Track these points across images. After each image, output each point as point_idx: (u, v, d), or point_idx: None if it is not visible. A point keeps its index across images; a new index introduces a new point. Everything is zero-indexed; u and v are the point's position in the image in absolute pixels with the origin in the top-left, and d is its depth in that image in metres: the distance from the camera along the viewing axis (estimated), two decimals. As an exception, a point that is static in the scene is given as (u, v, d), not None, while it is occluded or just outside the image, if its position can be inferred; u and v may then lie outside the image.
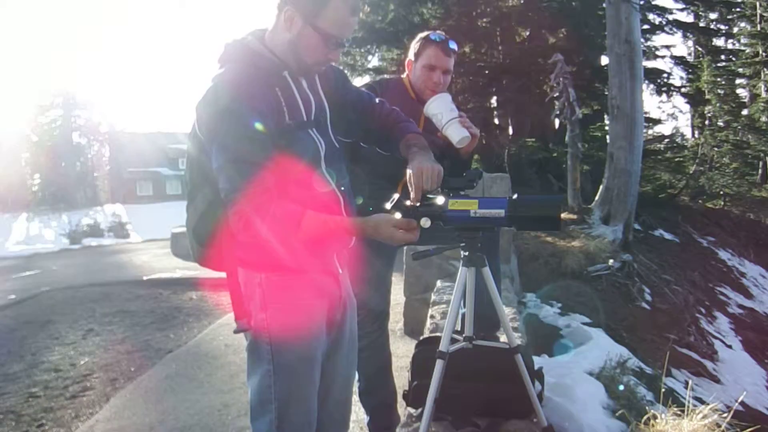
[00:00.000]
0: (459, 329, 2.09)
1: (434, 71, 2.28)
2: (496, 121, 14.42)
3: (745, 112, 19.84)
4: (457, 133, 2.02)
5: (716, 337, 6.94)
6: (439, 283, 4.26)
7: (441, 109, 2.06)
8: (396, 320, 4.72)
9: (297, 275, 1.49)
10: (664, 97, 18.49)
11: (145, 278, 9.90)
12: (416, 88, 2.34)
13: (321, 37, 1.43)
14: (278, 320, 1.47)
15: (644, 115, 9.87)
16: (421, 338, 2.66)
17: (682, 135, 22.37)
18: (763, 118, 18.40)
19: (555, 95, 9.87)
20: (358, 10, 1.49)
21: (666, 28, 13.87)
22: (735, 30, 20.86)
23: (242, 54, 1.46)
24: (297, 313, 1.50)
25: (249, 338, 1.53)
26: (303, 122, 1.48)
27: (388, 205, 1.52)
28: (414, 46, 2.35)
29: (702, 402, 2.47)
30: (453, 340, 1.92)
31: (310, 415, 1.54)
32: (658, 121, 17.38)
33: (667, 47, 14.90)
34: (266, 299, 1.47)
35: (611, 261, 6.80)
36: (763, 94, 19.62)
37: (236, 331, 1.51)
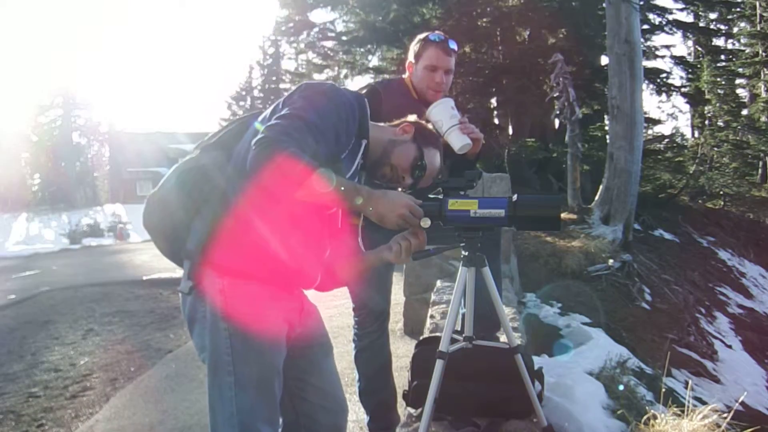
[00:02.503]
0: (459, 329, 2.09)
1: (436, 71, 2.28)
2: (496, 121, 14.43)
3: (745, 112, 19.86)
4: (458, 140, 2.05)
5: (716, 337, 6.94)
6: (439, 283, 4.26)
7: (441, 116, 2.08)
8: (396, 320, 4.72)
9: (260, 284, 1.49)
10: (664, 97, 18.49)
11: (144, 278, 9.89)
12: (418, 89, 2.33)
13: (416, 157, 1.65)
14: (240, 330, 1.45)
15: (644, 115, 9.87)
16: (421, 338, 2.66)
17: (682, 135, 22.37)
18: (763, 118, 18.41)
19: (555, 95, 9.88)
20: (440, 171, 1.73)
21: (666, 28, 13.87)
22: (735, 30, 20.87)
23: (360, 98, 1.62)
24: (259, 322, 1.48)
25: (201, 352, 1.51)
26: (342, 172, 1.54)
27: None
28: (414, 47, 2.35)
29: (702, 402, 2.47)
30: (453, 340, 1.92)
31: (275, 425, 1.54)
32: (658, 121, 17.38)
33: (667, 47, 14.91)
34: (227, 308, 1.45)
35: (611, 261, 6.80)
36: (763, 94, 19.63)
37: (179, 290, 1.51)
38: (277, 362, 1.51)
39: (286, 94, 1.55)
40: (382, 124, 1.70)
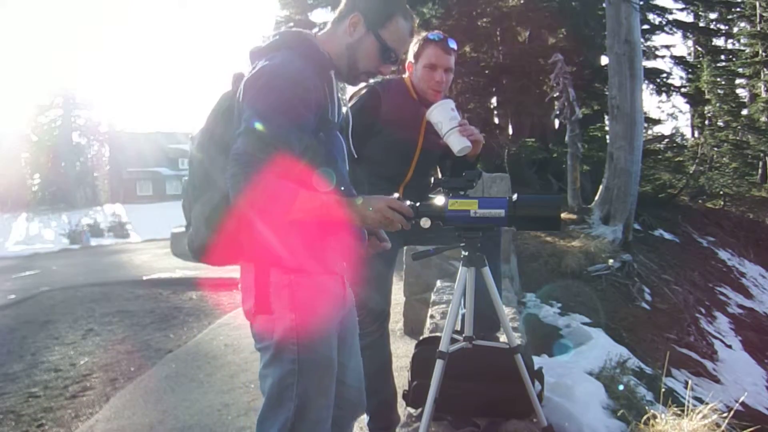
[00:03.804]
0: (459, 329, 2.09)
1: (436, 70, 2.28)
2: (496, 121, 14.42)
3: (745, 112, 19.86)
4: (457, 143, 2.05)
5: (716, 337, 6.94)
6: (439, 283, 4.26)
7: (441, 117, 2.09)
8: (396, 320, 4.72)
9: (320, 277, 1.53)
10: (664, 97, 18.50)
11: (144, 278, 9.89)
12: (418, 88, 2.33)
13: (379, 47, 1.56)
14: (305, 321, 1.48)
15: (644, 115, 9.87)
16: (421, 338, 2.66)
17: (682, 135, 22.38)
18: (763, 118, 18.42)
19: (555, 95, 9.88)
20: (413, 33, 1.63)
21: (666, 28, 13.88)
22: (735, 30, 20.88)
23: (300, 43, 1.52)
24: (321, 314, 1.52)
25: (264, 338, 1.53)
26: (335, 122, 1.56)
27: None
28: (413, 47, 2.34)
29: (702, 402, 2.46)
30: (453, 340, 1.92)
31: (327, 411, 1.56)
32: (658, 121, 17.39)
33: (667, 47, 14.93)
34: (295, 300, 1.48)
35: (611, 261, 6.80)
36: (763, 94, 19.64)
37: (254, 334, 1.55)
38: (334, 351, 1.56)
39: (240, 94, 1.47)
40: (329, 27, 1.61)
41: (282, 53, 1.48)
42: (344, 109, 1.69)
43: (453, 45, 2.31)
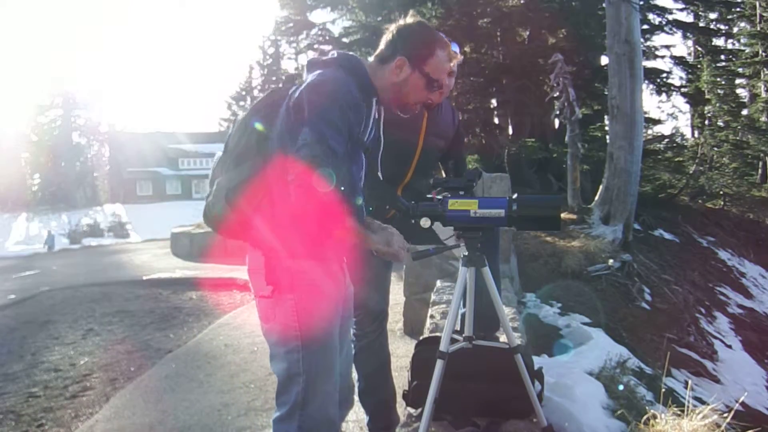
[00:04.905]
0: (459, 329, 2.09)
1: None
2: (496, 121, 14.42)
3: (745, 112, 19.86)
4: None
5: (716, 337, 6.94)
6: (439, 283, 4.26)
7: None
8: (396, 320, 4.72)
9: (320, 263, 1.67)
10: (664, 97, 18.46)
11: (144, 278, 9.89)
12: None
13: (425, 81, 1.73)
14: (304, 300, 1.63)
15: (644, 115, 9.87)
16: (421, 338, 2.66)
17: (682, 135, 22.35)
18: (763, 118, 18.43)
19: (555, 95, 9.87)
20: (451, 57, 1.80)
21: (666, 28, 13.88)
22: (735, 30, 20.87)
23: (353, 67, 1.71)
24: (320, 294, 1.66)
25: (269, 318, 1.68)
26: (363, 141, 1.73)
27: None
28: None
29: (702, 402, 2.47)
30: (453, 340, 1.92)
31: (335, 384, 1.70)
32: (658, 121, 17.36)
33: (667, 47, 14.93)
34: (294, 282, 1.62)
35: (611, 261, 6.80)
36: (763, 94, 19.64)
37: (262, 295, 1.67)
38: (336, 329, 1.71)
39: (296, 95, 1.62)
40: (374, 63, 1.77)
41: (337, 70, 1.67)
42: (377, 135, 1.83)
43: (456, 49, 2.32)
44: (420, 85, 1.73)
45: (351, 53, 1.78)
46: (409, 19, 1.78)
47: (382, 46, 1.78)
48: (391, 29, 1.78)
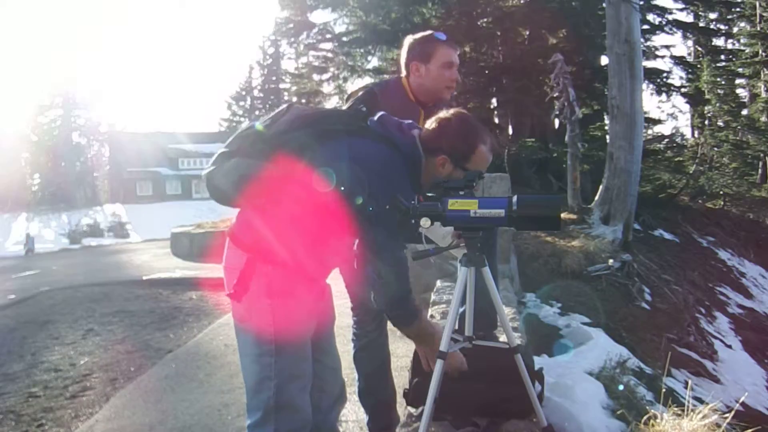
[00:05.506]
0: (459, 329, 2.09)
1: (452, 68, 2.29)
2: (496, 121, 14.43)
3: (745, 112, 19.88)
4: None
5: (716, 337, 6.94)
6: (439, 283, 4.26)
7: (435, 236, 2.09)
8: (396, 320, 4.70)
9: (299, 273, 1.71)
10: (664, 97, 18.46)
11: (144, 278, 9.88)
12: (431, 89, 2.31)
13: (465, 173, 1.79)
14: (281, 307, 1.67)
15: (644, 115, 9.87)
16: (422, 338, 2.65)
17: (682, 135, 22.35)
18: (763, 118, 18.44)
19: (555, 95, 9.87)
20: (492, 149, 1.84)
21: (666, 28, 13.88)
22: (735, 30, 20.88)
23: (411, 149, 1.77)
24: (296, 302, 1.71)
25: (243, 318, 1.72)
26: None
27: None
28: (417, 47, 2.32)
29: (702, 402, 2.47)
30: (453, 340, 1.92)
31: (306, 387, 1.74)
32: (658, 121, 17.37)
33: (667, 47, 14.92)
34: (272, 288, 1.66)
35: (611, 261, 6.79)
36: (763, 94, 19.65)
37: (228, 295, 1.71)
38: (308, 336, 1.77)
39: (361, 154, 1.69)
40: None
41: (400, 150, 1.72)
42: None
43: (443, 37, 2.35)
44: (460, 176, 1.78)
45: (414, 133, 1.81)
46: (449, 114, 1.80)
47: (427, 132, 1.80)
48: (435, 120, 1.80)
